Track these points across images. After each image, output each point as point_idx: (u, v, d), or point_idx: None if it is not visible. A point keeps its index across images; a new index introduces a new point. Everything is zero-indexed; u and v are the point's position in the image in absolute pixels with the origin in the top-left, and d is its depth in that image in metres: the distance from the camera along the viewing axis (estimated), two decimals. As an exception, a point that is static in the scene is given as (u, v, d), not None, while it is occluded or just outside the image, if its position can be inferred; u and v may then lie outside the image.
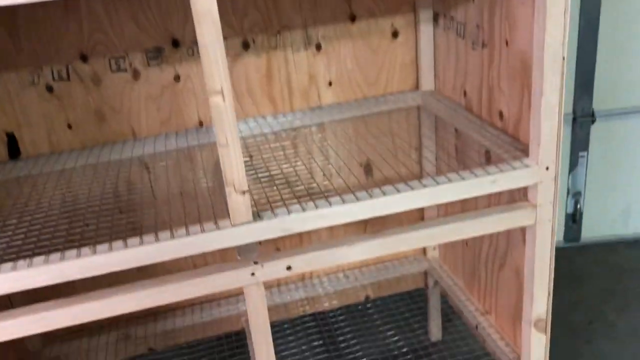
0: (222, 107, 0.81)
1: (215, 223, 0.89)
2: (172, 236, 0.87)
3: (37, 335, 1.35)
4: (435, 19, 1.30)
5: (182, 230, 0.87)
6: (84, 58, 1.20)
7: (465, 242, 1.36)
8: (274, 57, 1.28)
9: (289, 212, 0.90)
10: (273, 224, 0.89)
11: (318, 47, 1.30)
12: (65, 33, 1.17)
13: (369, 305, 1.55)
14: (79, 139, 1.26)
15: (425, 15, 1.30)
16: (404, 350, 1.42)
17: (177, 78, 1.25)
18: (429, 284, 1.56)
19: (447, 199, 0.95)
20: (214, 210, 0.98)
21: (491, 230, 0.98)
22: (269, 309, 1.46)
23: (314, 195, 0.96)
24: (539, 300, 1.06)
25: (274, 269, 0.92)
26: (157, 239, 0.86)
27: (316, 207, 0.90)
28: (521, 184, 0.97)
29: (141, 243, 0.86)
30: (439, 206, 1.48)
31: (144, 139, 1.28)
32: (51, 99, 1.21)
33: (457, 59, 1.23)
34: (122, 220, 1.07)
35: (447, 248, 1.49)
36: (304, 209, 0.90)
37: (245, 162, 1.31)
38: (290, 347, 1.46)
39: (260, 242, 1.44)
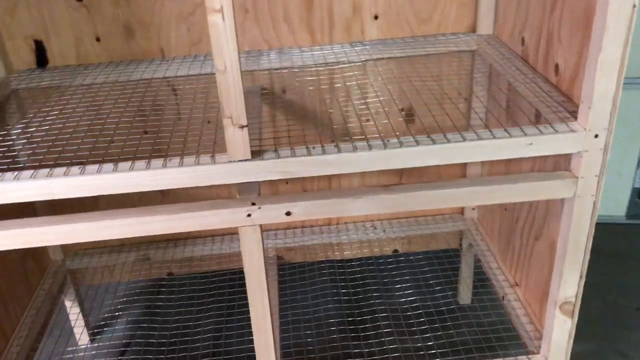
0: (221, 28, 0.73)
1: (213, 157, 0.82)
2: (164, 165, 0.81)
3: (58, 246, 1.37)
4: (502, -48, 1.14)
5: (176, 161, 0.82)
6: (115, -33, 1.14)
7: (504, 207, 1.25)
8: (316, -18, 1.18)
9: (293, 154, 0.82)
10: (272, 164, 0.82)
11: (365, -25, 1.18)
12: (96, -62, 1.11)
13: (391, 259, 1.47)
14: (107, 53, 1.21)
15: (491, -52, 1.15)
16: (419, 311, 1.34)
17: (210, -3, 1.17)
18: (463, 246, 1.46)
19: (473, 158, 0.84)
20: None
21: (518, 199, 0.87)
22: (291, 249, 1.43)
23: (338, 138, 0.88)
24: (569, 281, 0.94)
25: (273, 213, 0.85)
26: (148, 167, 0.81)
27: (323, 152, 0.82)
28: (562, 151, 0.84)
29: (132, 169, 0.81)
30: (482, 165, 1.36)
31: (172, 60, 1.22)
32: (80, 9, 1.16)
33: (519, 1, 1.08)
34: (141, 141, 1.03)
35: (486, 210, 1.37)
36: (309, 153, 0.82)
37: (275, 94, 1.23)
38: (303, 291, 1.41)
39: (287, 182, 1.39)
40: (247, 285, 0.91)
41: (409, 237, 1.46)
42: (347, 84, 1.25)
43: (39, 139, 0.97)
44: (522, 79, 1.02)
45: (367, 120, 1.30)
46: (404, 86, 1.23)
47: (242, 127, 0.79)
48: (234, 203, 0.85)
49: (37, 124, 1.02)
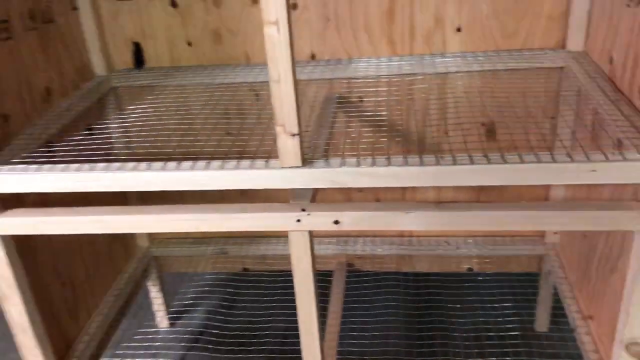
0: (276, 40, 0.76)
1: (267, 162, 0.85)
2: (222, 167, 0.85)
3: (145, 233, 1.47)
4: (597, -35, 1.08)
5: (233, 163, 0.86)
6: (208, -24, 1.21)
7: (583, 233, 1.17)
8: (399, -7, 1.17)
9: (343, 164, 0.83)
10: (321, 173, 0.83)
11: (450, -14, 1.16)
12: (192, -51, 1.19)
13: (463, 278, 1.43)
14: (197, 57, 1.29)
15: (585, -40, 1.09)
16: (483, 333, 1.29)
17: (294, 6, 1.21)
18: (543, 271, 1.39)
19: (530, 181, 0.80)
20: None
21: (579, 228, 0.82)
22: (361, 257, 1.44)
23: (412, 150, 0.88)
24: (637, 320, 0.87)
25: (321, 220, 0.86)
26: (207, 167, 0.86)
27: (372, 164, 0.82)
28: (630, 180, 0.78)
29: (192, 168, 0.86)
30: (566, 188, 1.29)
31: (254, 65, 1.27)
32: (174, 15, 1.25)
33: (610, 18, 1.02)
34: (221, 141, 1.09)
35: (567, 235, 1.30)
36: (358, 164, 0.83)
37: (352, 103, 1.25)
38: (368, 300, 1.41)
39: (360, 190, 1.39)
40: (295, 288, 0.93)
41: (484, 257, 1.41)
42: (426, 95, 1.24)
43: (120, 134, 1.06)
44: (605, 100, 0.96)
45: (446, 133, 1.28)
46: (483, 101, 1.20)
47: (293, 135, 0.81)
48: (285, 207, 0.87)
49: (118, 121, 1.11)
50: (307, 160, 0.84)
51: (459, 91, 1.21)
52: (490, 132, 1.28)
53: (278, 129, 0.81)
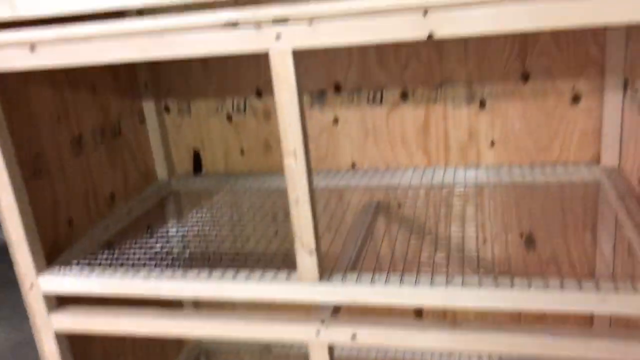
0: (294, 168, 0.84)
1: (288, 275, 0.91)
2: (247, 278, 0.92)
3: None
4: (626, 86, 1.10)
5: (258, 274, 0.92)
6: (259, 93, 1.33)
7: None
8: (433, 110, 1.24)
9: (358, 280, 0.88)
10: (338, 289, 0.88)
11: (482, 104, 1.21)
12: (246, 70, 1.32)
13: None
14: (249, 165, 1.40)
15: (614, 82, 1.11)
16: None
17: (335, 121, 1.30)
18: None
19: (532, 306, 0.81)
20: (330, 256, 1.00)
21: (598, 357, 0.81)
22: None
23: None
24: None
25: (339, 334, 0.90)
26: (235, 278, 0.93)
27: (386, 282, 0.87)
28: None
29: (221, 278, 0.93)
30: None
31: (300, 173, 1.36)
32: (230, 127, 1.37)
33: (637, 138, 1.03)
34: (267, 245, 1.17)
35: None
36: (372, 281, 0.87)
37: (389, 210, 1.30)
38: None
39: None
40: (316, 398, 0.96)
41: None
42: (459, 206, 1.27)
43: (176, 237, 1.16)
44: (630, 223, 0.96)
45: (484, 242, 1.30)
46: (515, 215, 1.22)
47: (310, 252, 0.87)
48: (306, 319, 0.92)
49: (176, 224, 1.22)
50: (324, 276, 0.89)
51: (494, 203, 1.24)
52: (529, 243, 1.28)
53: (297, 246, 0.88)
